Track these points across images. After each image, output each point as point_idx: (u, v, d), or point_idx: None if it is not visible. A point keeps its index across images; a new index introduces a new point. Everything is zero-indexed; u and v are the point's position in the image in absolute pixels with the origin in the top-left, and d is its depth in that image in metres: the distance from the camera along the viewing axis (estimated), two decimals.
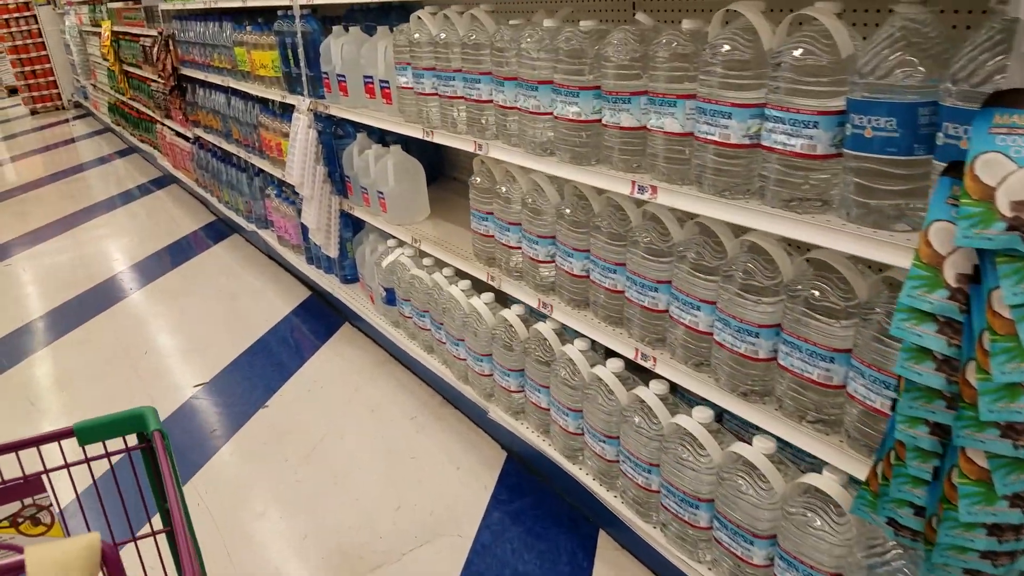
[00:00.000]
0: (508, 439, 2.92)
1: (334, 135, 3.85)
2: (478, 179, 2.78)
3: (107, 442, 1.42)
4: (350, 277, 4.23)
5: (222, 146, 5.73)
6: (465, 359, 3.01)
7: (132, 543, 1.48)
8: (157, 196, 7.76)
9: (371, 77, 3.29)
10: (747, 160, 1.69)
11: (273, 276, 5.24)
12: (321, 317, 4.50)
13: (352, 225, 4.09)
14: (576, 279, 2.39)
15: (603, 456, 2.36)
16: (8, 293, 5.38)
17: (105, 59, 9.34)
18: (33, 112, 14.07)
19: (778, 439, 1.81)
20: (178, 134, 7.09)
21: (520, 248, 2.63)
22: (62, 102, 14.19)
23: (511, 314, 2.70)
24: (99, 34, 9.49)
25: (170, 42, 6.12)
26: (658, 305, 2.08)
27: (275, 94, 4.28)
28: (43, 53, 13.68)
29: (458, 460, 3.02)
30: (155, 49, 6.42)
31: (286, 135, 4.37)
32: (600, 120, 2.09)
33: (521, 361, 2.69)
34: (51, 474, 1.40)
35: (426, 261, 3.27)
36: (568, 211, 2.35)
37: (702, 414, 1.98)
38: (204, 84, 5.88)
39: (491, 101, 2.51)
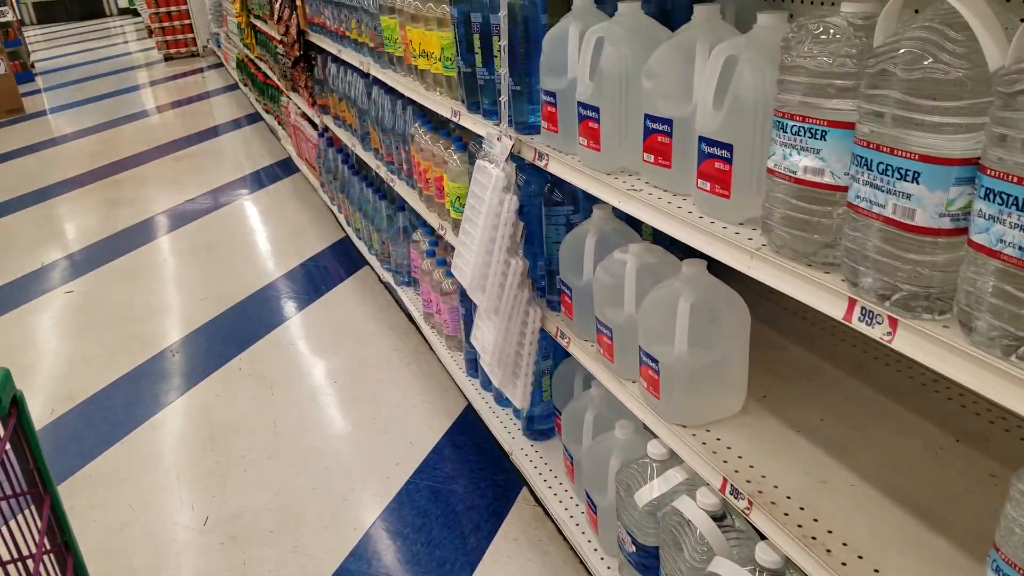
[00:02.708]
0: None
1: (546, 199, 2.07)
2: None
3: None
4: (542, 429, 2.48)
5: (356, 151, 4.08)
6: None
7: None
8: (283, 187, 6.29)
9: (667, 123, 1.46)
10: None
11: (414, 354, 3.57)
12: (487, 464, 2.78)
13: (554, 348, 2.33)
14: None
15: None
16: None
17: (232, 5, 7.93)
18: (167, 58, 13.09)
19: None
20: (305, 116, 5.53)
21: None
22: (196, 48, 13.13)
23: None
24: None
25: None
26: None
27: (442, 104, 2.53)
28: None
29: None
30: (278, 3, 4.82)
31: (459, 173, 2.64)
32: None
33: None
34: None
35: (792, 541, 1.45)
36: None
37: None
38: (338, 60, 4.23)
39: None
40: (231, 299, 4.32)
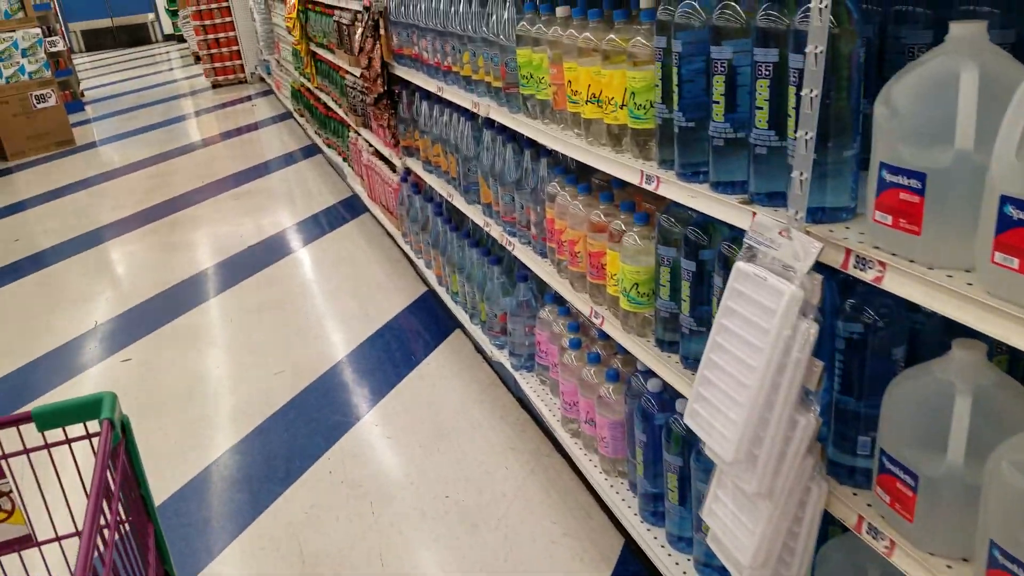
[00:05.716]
0: None
1: (850, 324, 1.35)
2: None
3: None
4: None
5: (453, 202, 3.42)
6: None
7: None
8: (351, 230, 5.66)
9: (919, 178, 0.76)
10: None
11: (535, 456, 2.87)
12: None
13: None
14: None
15: None
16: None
17: (290, 33, 7.38)
18: (215, 85, 12.67)
19: None
20: (380, 155, 4.90)
21: None
22: (244, 75, 12.68)
23: None
24: (285, 0, 7.56)
25: (381, 23, 3.86)
26: None
27: (623, 165, 1.85)
28: (228, 19, 12.13)
29: None
30: (357, 33, 4.20)
31: (640, 251, 1.95)
32: None
33: None
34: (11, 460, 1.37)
35: None
36: None
37: None
38: (430, 97, 3.59)
39: None
40: (311, 373, 3.68)
